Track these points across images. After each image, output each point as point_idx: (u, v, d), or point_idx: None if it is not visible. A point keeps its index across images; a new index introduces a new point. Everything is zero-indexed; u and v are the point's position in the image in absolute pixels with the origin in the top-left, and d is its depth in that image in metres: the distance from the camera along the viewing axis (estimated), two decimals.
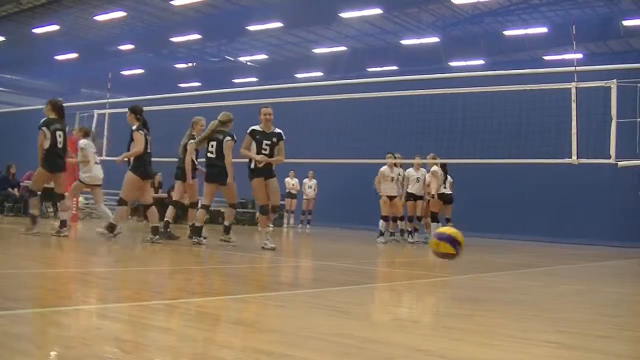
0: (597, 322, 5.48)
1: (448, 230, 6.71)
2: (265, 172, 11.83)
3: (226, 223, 13.03)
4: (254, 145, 11.95)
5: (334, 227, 26.99)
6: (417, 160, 17.50)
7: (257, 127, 11.93)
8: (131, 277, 6.85)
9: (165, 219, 13.71)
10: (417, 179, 17.72)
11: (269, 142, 11.86)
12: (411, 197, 17.85)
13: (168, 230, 13.41)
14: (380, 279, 8.37)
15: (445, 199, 17.70)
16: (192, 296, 5.61)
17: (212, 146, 12.53)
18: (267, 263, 9.97)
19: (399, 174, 17.81)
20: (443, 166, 18.57)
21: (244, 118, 16.27)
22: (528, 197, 25.97)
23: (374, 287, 7.40)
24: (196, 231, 12.55)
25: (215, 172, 12.50)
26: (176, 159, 13.91)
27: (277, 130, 11.99)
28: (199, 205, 13.00)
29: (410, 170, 17.82)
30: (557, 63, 25.17)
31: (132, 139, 12.09)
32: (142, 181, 12.23)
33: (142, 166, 12.07)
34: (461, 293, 7.26)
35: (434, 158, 17.52)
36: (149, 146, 12.20)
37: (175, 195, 14.12)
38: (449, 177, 17.88)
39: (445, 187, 17.78)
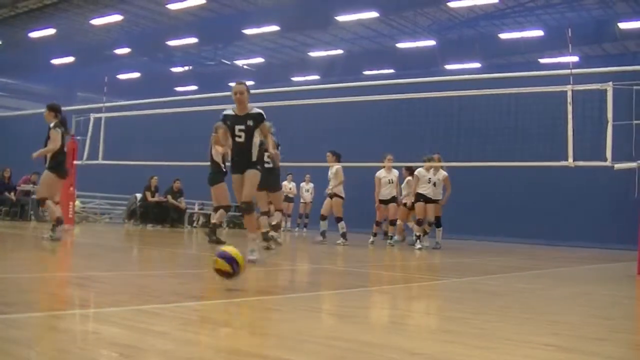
0: (592, 325, 5.50)
1: (229, 249, 6.65)
2: (241, 165, 9.59)
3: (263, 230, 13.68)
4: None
5: (331, 231, 26.97)
6: (428, 164, 16.98)
7: (229, 111, 9.73)
8: (128, 281, 6.86)
9: (213, 222, 14.32)
10: (429, 180, 16.99)
11: (242, 127, 9.53)
12: (421, 198, 16.99)
13: (214, 236, 13.82)
14: (377, 282, 8.36)
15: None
16: (189, 300, 5.62)
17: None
18: (264, 267, 9.97)
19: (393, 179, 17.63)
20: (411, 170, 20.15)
21: None
22: (524, 199, 25.99)
23: (370, 290, 7.40)
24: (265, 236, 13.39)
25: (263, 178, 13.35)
26: (171, 163, 14.12)
27: (255, 110, 9.61)
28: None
29: (422, 171, 17.06)
30: (553, 66, 25.19)
31: (48, 137, 12.14)
32: (59, 180, 12.29)
33: (60, 165, 12.13)
34: (457, 296, 7.27)
35: (439, 160, 17.31)
36: (65, 145, 12.29)
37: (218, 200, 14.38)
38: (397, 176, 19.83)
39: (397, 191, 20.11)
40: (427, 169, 16.94)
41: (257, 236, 9.44)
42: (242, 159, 9.55)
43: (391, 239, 17.67)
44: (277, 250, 12.93)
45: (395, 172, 17.64)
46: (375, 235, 17.96)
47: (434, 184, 17.19)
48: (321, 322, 4.74)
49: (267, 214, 14.21)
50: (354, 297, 6.61)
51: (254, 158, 9.56)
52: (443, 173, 17.35)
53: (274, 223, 14.12)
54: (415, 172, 17.17)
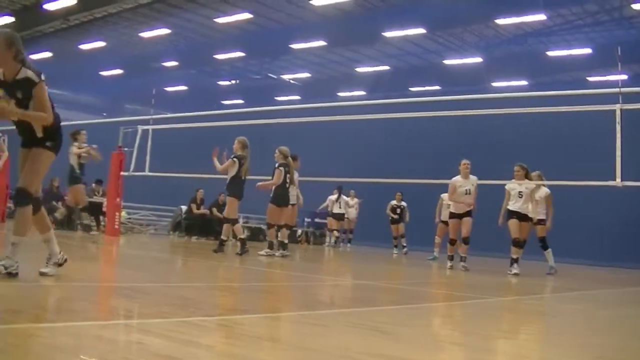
0: (634, 349, 5.42)
1: None
2: (27, 141, 6.82)
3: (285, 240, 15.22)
4: None
5: (375, 247, 26.88)
6: (526, 181, 14.92)
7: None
8: (172, 292, 6.90)
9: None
10: (520, 194, 14.65)
11: (15, 102, 6.39)
12: (514, 215, 14.65)
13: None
14: (421, 300, 8.32)
15: (337, 217, 23.63)
16: (232, 313, 5.64)
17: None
18: (307, 282, 9.99)
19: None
20: (339, 188, 23.41)
21: (286, 136, 16.29)
22: (569, 219, 25.72)
23: (415, 307, 7.37)
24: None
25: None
26: (218, 176, 14.49)
27: (26, 74, 6.36)
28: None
29: (512, 184, 14.70)
30: (601, 84, 24.94)
31: None
32: None
33: None
34: (501, 315, 7.22)
35: (539, 177, 15.37)
36: None
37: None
38: (343, 197, 23.63)
39: (340, 207, 23.84)
40: (519, 183, 14.65)
41: (50, 238, 6.83)
42: (25, 136, 6.78)
43: (463, 260, 15.05)
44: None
45: (474, 179, 15.18)
46: (452, 258, 15.65)
47: (536, 202, 15.44)
48: (365, 338, 4.72)
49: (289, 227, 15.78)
50: (397, 314, 6.59)
51: (40, 133, 6.68)
52: (545, 190, 15.88)
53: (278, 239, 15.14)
54: (506, 187, 14.88)
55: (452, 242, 15.57)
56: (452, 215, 15.43)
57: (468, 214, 15.19)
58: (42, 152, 6.66)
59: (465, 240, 15.19)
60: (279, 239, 15.11)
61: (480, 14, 28.05)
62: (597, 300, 10.62)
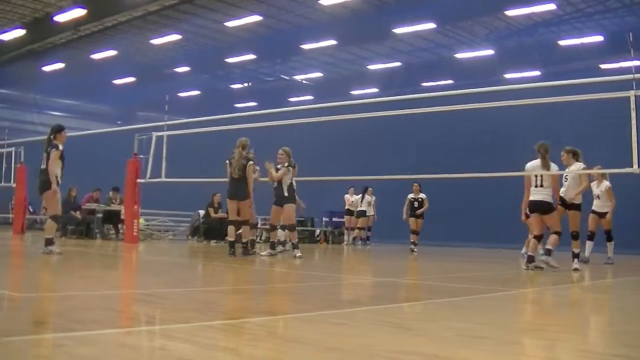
0: None
1: None
2: None
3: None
4: None
5: (393, 244, 26.81)
6: (597, 171, 15.09)
7: None
8: (193, 297, 6.90)
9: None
10: (565, 178, 13.21)
11: None
12: (559, 202, 13.11)
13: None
14: (443, 295, 8.29)
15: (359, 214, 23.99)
16: (254, 315, 5.63)
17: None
18: (327, 281, 9.97)
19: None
20: (366, 189, 23.72)
21: (300, 136, 16.24)
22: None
23: (437, 302, 7.34)
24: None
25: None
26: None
27: None
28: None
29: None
30: (615, 71, 24.78)
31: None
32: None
33: None
34: (526, 307, 7.19)
35: (601, 173, 15.07)
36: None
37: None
38: (367, 196, 23.90)
39: (361, 205, 24.06)
40: (599, 181, 14.84)
41: None
42: None
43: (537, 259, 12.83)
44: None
45: (554, 167, 12.73)
46: (530, 259, 12.81)
47: (598, 197, 15.65)
48: (388, 336, 4.70)
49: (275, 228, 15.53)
50: (421, 310, 6.57)
51: None
52: (606, 184, 15.84)
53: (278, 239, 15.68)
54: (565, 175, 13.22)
55: (539, 239, 12.90)
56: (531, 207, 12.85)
57: (548, 208, 12.66)
58: None
59: (538, 238, 12.87)
60: (278, 238, 15.69)
61: (489, 5, 28.00)
62: (624, 289, 10.58)
